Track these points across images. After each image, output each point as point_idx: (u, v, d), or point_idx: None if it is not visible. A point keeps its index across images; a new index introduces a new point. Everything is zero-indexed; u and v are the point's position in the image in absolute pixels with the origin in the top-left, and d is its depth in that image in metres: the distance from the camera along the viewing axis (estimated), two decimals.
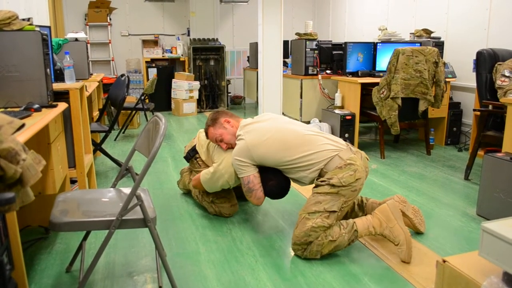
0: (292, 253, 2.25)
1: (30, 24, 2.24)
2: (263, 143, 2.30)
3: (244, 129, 2.42)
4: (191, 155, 2.90)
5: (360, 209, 2.49)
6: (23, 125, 1.30)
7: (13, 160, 1.09)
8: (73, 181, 2.85)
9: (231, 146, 2.53)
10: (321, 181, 2.21)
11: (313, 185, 2.31)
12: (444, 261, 1.34)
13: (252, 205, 2.94)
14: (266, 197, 2.48)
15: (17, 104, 2.09)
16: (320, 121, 4.63)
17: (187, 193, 3.17)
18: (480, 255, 1.22)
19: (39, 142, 2.08)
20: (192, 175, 2.99)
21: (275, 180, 2.43)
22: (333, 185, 2.15)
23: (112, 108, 4.97)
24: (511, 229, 1.16)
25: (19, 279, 1.54)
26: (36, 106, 2.00)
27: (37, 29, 2.24)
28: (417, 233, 2.46)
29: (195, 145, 2.90)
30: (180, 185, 3.20)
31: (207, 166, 2.78)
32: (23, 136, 1.47)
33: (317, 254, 2.15)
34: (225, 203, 2.71)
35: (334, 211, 2.15)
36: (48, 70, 2.20)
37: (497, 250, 1.16)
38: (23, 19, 2.28)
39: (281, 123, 2.41)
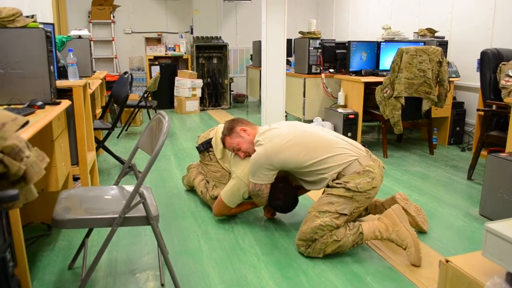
0: (295, 252, 2.25)
1: (34, 21, 2.25)
2: (284, 148, 2.25)
3: (263, 135, 2.37)
4: (204, 147, 2.87)
5: None
6: (27, 122, 1.30)
7: (17, 157, 1.09)
8: (75, 178, 2.85)
9: (248, 155, 2.49)
10: (337, 183, 2.18)
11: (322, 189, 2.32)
12: (447, 261, 1.34)
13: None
14: None
15: (20, 101, 2.09)
16: (323, 120, 4.63)
17: (190, 190, 3.17)
18: (484, 255, 1.22)
19: (43, 139, 2.09)
20: (202, 169, 2.98)
21: (283, 201, 2.48)
22: (348, 189, 2.13)
23: (115, 105, 4.98)
24: None
25: (22, 275, 1.54)
26: (40, 103, 2.00)
27: (41, 26, 2.25)
28: (420, 232, 2.45)
29: (211, 139, 2.86)
30: (185, 180, 3.20)
31: (218, 163, 2.78)
32: (26, 133, 1.47)
33: (320, 253, 2.15)
34: None
35: (345, 214, 2.13)
36: (51, 67, 2.20)
37: (500, 251, 1.16)
38: (27, 16, 2.29)
39: (300, 127, 2.39)
